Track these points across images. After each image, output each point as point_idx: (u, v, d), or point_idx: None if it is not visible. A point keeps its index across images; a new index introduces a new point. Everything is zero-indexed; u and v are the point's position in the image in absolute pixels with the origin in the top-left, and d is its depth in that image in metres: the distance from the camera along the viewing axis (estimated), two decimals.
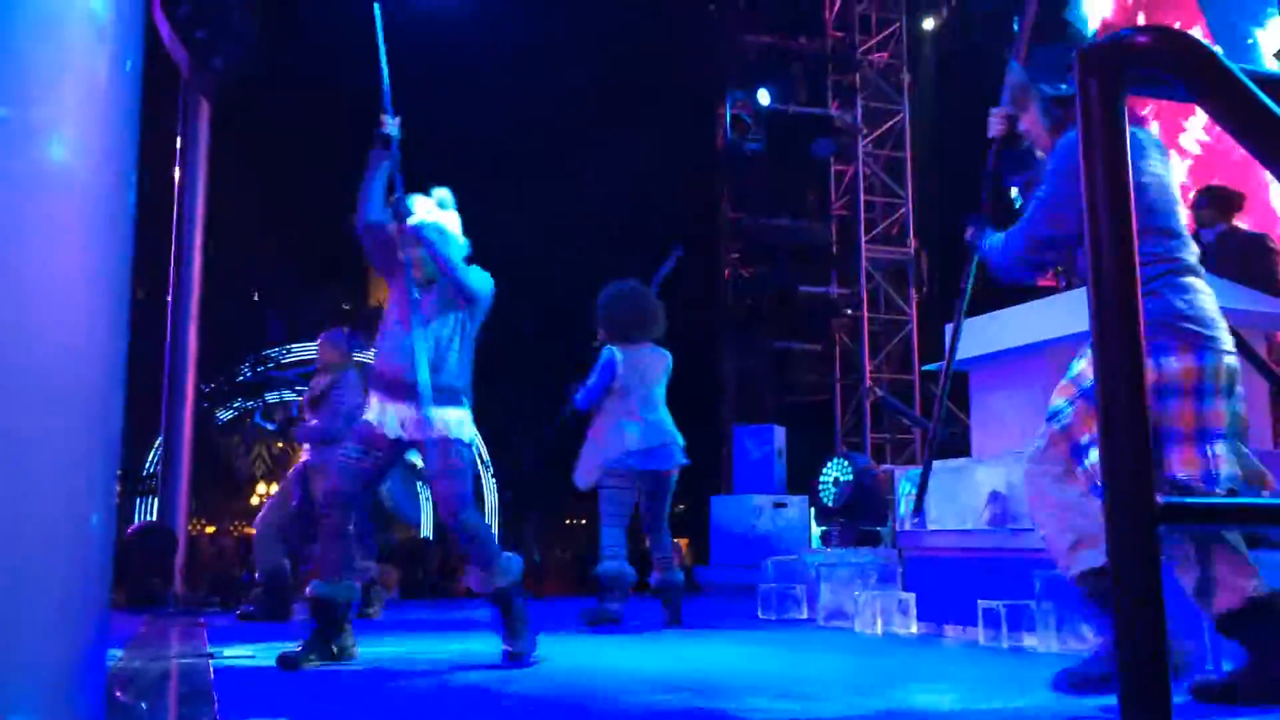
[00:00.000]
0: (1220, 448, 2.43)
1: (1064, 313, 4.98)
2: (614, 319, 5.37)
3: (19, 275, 1.26)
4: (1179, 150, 8.65)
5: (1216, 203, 5.40)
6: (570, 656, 3.87)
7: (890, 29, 12.14)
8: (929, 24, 11.63)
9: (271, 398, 13.90)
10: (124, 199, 1.42)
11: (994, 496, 4.96)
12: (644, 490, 5.19)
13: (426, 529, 13.54)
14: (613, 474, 5.13)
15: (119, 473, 1.50)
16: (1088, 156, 1.04)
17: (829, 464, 7.16)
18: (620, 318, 5.36)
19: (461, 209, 3.90)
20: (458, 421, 3.68)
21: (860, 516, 6.82)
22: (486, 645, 3.92)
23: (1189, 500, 1.02)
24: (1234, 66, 1.07)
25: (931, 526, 5.24)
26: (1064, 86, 2.76)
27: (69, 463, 1.31)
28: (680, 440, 5.25)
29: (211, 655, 3.86)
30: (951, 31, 11.70)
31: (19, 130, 1.25)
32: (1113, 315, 1.03)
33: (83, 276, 1.34)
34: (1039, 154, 2.91)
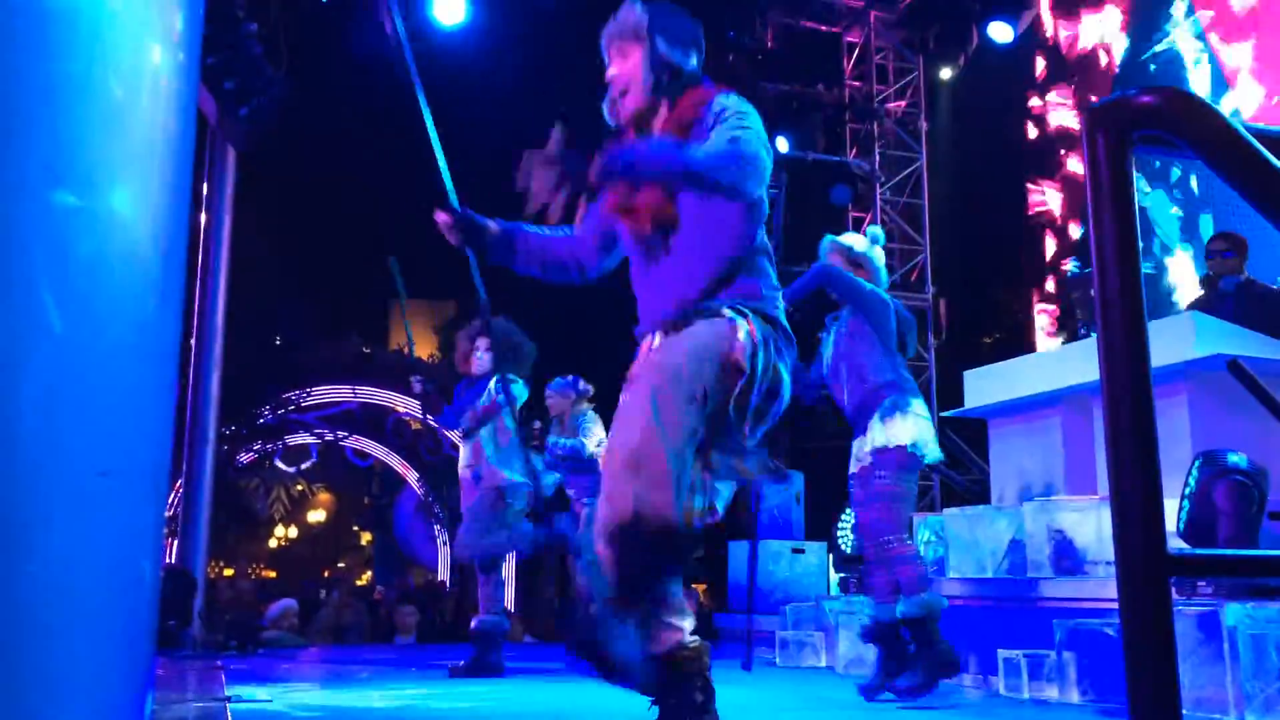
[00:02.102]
0: None
1: (1081, 360, 4.99)
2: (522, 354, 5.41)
3: (87, 351, 1.32)
4: None
5: (1240, 250, 5.38)
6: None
7: (907, 78, 12.25)
8: (946, 73, 11.73)
9: (292, 441, 13.97)
10: (177, 279, 1.51)
11: (1014, 544, 4.93)
12: None
13: (443, 572, 13.51)
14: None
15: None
16: (1096, 214, 1.07)
17: (848, 511, 7.13)
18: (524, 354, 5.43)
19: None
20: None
21: None
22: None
23: (1199, 551, 1.02)
24: (1240, 125, 1.10)
25: (951, 574, 5.21)
26: (678, 55, 2.37)
27: (133, 521, 1.37)
28: None
29: (229, 699, 3.87)
30: (968, 80, 11.79)
31: (87, 219, 1.32)
32: (1122, 367, 1.05)
33: (140, 351, 1.41)
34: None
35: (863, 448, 4.11)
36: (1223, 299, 5.17)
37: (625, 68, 2.39)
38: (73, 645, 1.26)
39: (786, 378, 2.32)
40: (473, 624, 5.14)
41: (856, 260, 4.39)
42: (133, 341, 1.40)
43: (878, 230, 4.56)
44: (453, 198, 2.65)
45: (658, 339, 2.32)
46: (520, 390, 5.24)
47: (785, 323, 2.36)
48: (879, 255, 4.43)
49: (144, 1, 1.44)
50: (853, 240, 4.46)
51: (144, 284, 1.42)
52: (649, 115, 2.41)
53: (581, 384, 6.09)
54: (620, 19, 2.40)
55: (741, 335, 2.20)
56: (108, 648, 1.31)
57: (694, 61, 2.39)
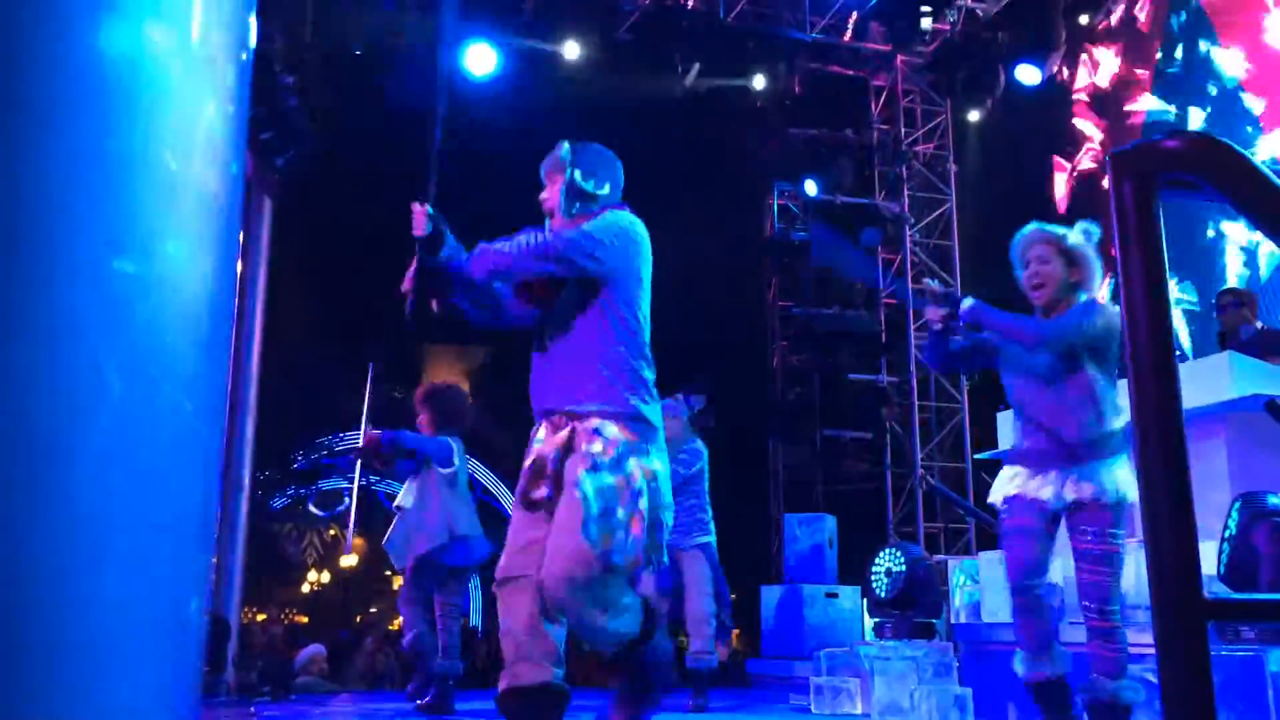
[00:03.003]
0: None
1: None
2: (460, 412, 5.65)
3: (143, 410, 1.37)
4: None
5: (1246, 302, 5.84)
6: None
7: (935, 121, 12.29)
8: (974, 115, 11.75)
9: (325, 485, 14.05)
10: (225, 336, 1.59)
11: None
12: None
13: (475, 618, 13.47)
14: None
15: None
16: (1125, 260, 1.07)
17: (881, 554, 7.06)
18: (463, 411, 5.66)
19: None
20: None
21: (914, 608, 6.69)
22: None
23: (1236, 596, 1.02)
24: (1265, 168, 1.10)
25: (987, 619, 5.14)
26: (590, 184, 2.90)
27: (184, 572, 1.41)
28: None
29: None
30: (996, 121, 11.81)
31: (144, 285, 1.38)
32: (1153, 409, 1.05)
33: (191, 408, 1.46)
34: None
35: (1067, 489, 3.33)
36: (1245, 348, 5.20)
37: (552, 193, 2.94)
38: (132, 685, 1.29)
39: (657, 475, 2.71)
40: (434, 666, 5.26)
41: (1070, 254, 3.59)
42: (184, 399, 1.44)
43: (1092, 227, 3.64)
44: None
45: (542, 431, 2.77)
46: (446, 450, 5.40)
47: (647, 415, 2.76)
48: (1094, 255, 3.63)
49: (198, 68, 1.50)
50: (1067, 230, 3.63)
51: (195, 344, 1.48)
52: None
53: (692, 398, 5.38)
54: (551, 155, 2.95)
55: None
56: (157, 691, 1.34)
57: (606, 190, 2.94)
